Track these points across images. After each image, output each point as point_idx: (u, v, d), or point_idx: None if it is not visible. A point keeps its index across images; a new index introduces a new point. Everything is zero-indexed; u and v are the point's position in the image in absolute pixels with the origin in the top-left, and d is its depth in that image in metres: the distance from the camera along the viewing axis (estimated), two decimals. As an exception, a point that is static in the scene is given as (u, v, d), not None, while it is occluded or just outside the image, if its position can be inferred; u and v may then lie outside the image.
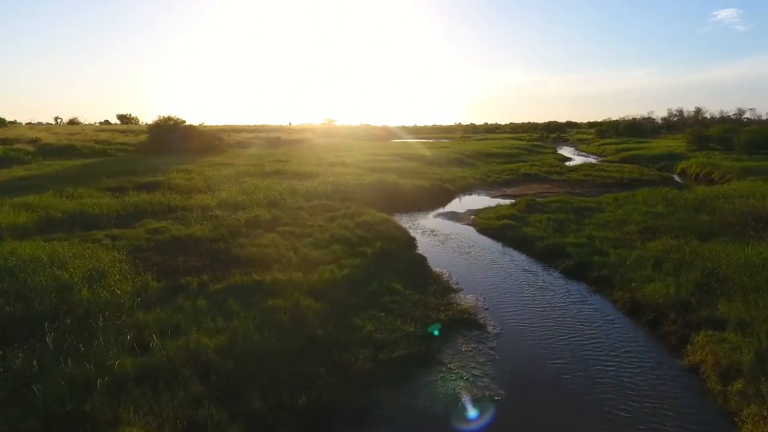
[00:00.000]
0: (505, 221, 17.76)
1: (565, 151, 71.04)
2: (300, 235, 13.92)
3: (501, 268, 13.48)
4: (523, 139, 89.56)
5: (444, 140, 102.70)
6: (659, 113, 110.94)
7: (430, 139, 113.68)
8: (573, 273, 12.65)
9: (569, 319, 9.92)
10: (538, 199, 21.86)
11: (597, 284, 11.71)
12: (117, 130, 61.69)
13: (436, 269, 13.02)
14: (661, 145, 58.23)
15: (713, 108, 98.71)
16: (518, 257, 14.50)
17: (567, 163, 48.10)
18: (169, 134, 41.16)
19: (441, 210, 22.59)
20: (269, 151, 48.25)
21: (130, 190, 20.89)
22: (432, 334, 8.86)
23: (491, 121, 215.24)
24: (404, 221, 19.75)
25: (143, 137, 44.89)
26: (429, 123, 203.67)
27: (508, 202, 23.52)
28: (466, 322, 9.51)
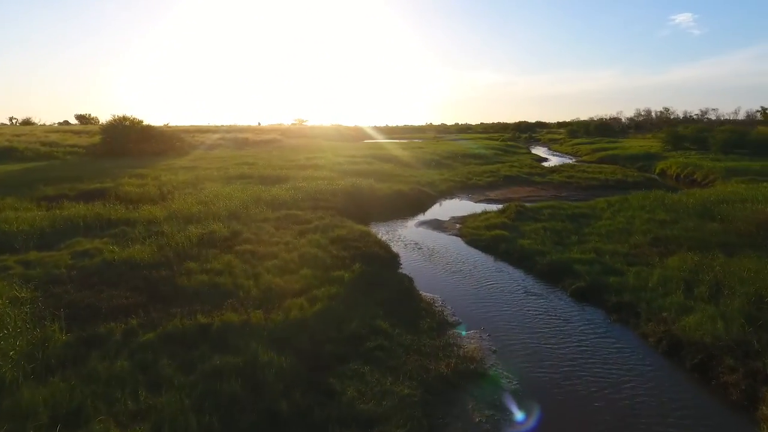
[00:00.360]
0: (497, 231, 15.82)
1: (539, 151, 70.30)
2: (263, 256, 11.60)
3: (501, 290, 11.49)
4: (496, 139, 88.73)
5: (417, 140, 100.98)
6: (625, 113, 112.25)
7: (403, 139, 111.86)
8: (585, 296, 10.75)
9: (598, 363, 7.96)
10: (527, 205, 20.05)
11: (618, 312, 9.82)
12: (71, 131, 57.41)
13: (426, 295, 10.93)
14: (634, 144, 57.90)
15: (675, 108, 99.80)
16: (518, 276, 12.54)
17: (544, 164, 46.96)
18: (124, 135, 37.84)
19: (422, 217, 20.55)
20: (236, 152, 45.36)
21: (68, 200, 18.08)
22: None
23: (462, 121, 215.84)
24: (384, 232, 17.62)
25: (97, 139, 41.34)
26: (400, 123, 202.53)
27: (493, 207, 21.67)
28: (473, 375, 7.43)
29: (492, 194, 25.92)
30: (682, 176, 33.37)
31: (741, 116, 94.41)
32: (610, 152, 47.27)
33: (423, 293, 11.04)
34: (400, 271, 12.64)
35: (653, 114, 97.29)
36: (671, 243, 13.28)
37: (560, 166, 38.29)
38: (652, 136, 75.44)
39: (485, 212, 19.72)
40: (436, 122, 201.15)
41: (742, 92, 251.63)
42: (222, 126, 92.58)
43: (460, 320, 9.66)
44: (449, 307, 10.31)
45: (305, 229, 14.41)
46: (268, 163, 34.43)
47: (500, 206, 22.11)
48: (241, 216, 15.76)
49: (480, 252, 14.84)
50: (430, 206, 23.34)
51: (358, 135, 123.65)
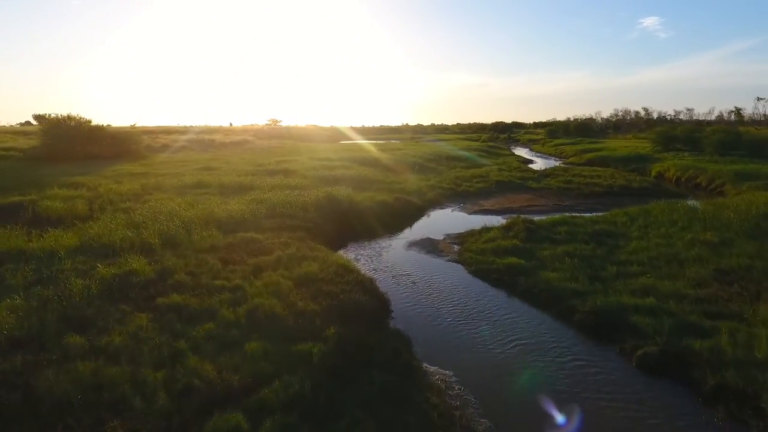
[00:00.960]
0: (510, 259, 12.42)
1: (521, 152, 67.79)
2: (194, 317, 7.91)
3: (539, 358, 8.06)
4: (476, 140, 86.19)
5: (394, 141, 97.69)
6: (602, 113, 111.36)
7: (380, 140, 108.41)
8: (660, 369, 7.45)
9: None
10: (534, 219, 16.78)
11: (726, 404, 6.50)
12: (13, 132, 51.93)
13: (434, 372, 7.47)
14: (619, 145, 55.74)
15: (652, 109, 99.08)
16: (553, 330, 9.15)
17: (531, 166, 44.20)
18: (69, 137, 33.23)
19: (411, 235, 17.08)
20: (201, 155, 41.12)
21: (-41, 222, 13.96)
22: None
23: (438, 121, 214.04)
24: (366, 259, 14.10)
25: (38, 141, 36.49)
26: (377, 123, 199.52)
27: (492, 220, 18.41)
28: None
29: (487, 203, 22.62)
30: (683, 180, 30.78)
31: (713, 116, 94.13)
32: (598, 154, 44.71)
33: (428, 368, 7.56)
34: (392, 326, 9.12)
35: (631, 114, 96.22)
36: (744, 277, 10.12)
37: (552, 169, 35.38)
38: (633, 136, 73.92)
39: (486, 229, 16.36)
40: (413, 122, 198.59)
41: (708, 93, 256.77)
42: (193, 127, 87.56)
43: (493, 427, 6.20)
44: (471, 396, 6.84)
45: (263, 263, 10.73)
46: (233, 168, 30.48)
47: (500, 218, 18.88)
48: (181, 243, 11.97)
49: (491, 288, 11.44)
50: (419, 219, 19.91)
51: (334, 136, 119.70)
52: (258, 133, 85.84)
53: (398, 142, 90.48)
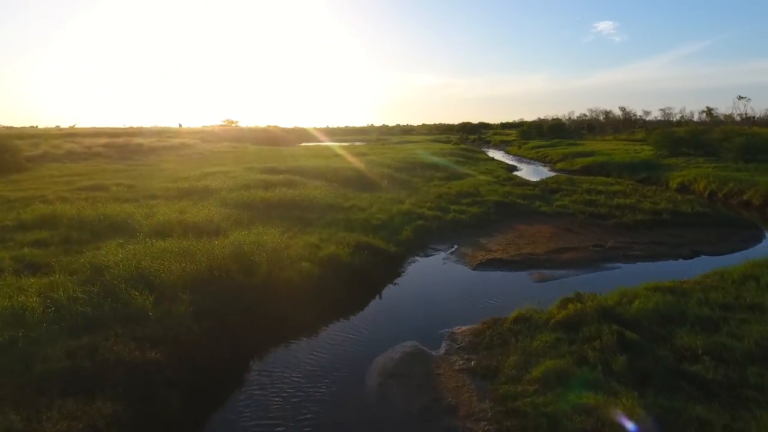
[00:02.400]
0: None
1: (497, 155, 60.83)
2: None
3: None
4: (445, 141, 79.08)
5: (358, 143, 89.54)
6: (566, 113, 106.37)
7: (344, 142, 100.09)
8: None
9: None
10: (600, 296, 9.00)
11: None
12: None
13: None
14: (607, 148, 49.38)
15: (631, 108, 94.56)
16: None
17: (517, 173, 36.96)
18: None
19: (376, 339, 8.93)
20: (107, 165, 31.79)
21: None
22: None
23: (403, 122, 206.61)
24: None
25: None
26: (342, 124, 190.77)
27: (513, 282, 10.70)
28: None
29: (493, 245, 14.74)
30: (720, 196, 23.94)
31: (677, 116, 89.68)
32: (594, 159, 37.77)
33: None
34: None
35: (601, 114, 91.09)
36: None
37: (552, 180, 27.99)
38: (613, 137, 68.31)
39: (524, 323, 8.47)
40: (378, 123, 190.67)
41: (661, 95, 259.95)
42: (114, 129, 76.66)
43: None
44: None
45: None
46: (134, 186, 21.70)
47: (526, 278, 11.13)
48: None
49: None
50: (392, 282, 11.88)
51: (295, 137, 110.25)
52: (207, 135, 75.92)
53: (363, 144, 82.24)
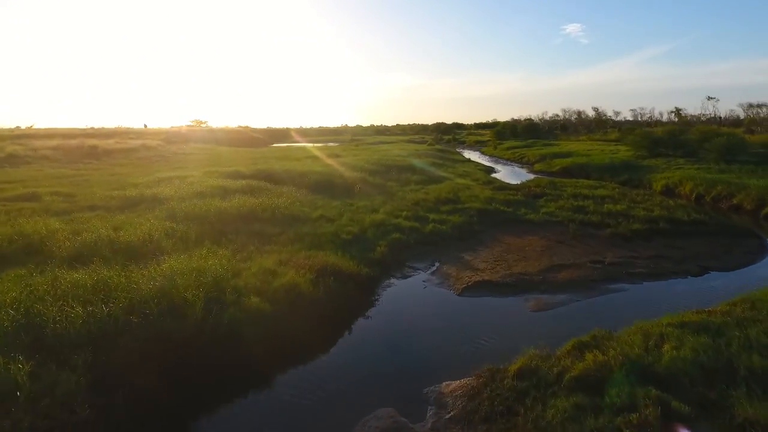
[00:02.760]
0: None
1: (473, 155, 59.53)
2: None
3: None
4: (420, 142, 77.64)
5: (332, 144, 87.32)
6: (540, 114, 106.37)
7: (318, 143, 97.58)
8: None
9: None
10: (639, 355, 7.23)
11: None
12: None
13: None
14: (583, 149, 48.55)
15: (567, 109, 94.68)
16: None
17: (495, 176, 35.50)
18: None
19: (341, 391, 6.97)
20: (53, 170, 28.76)
21: None
22: None
23: (377, 122, 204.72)
24: None
25: None
26: (316, 125, 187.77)
27: (506, 312, 8.92)
28: None
29: (479, 263, 12.90)
30: (707, 199, 22.81)
31: (646, 117, 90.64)
32: (573, 161, 36.57)
33: None
34: None
35: (572, 114, 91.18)
36: None
37: (533, 183, 26.48)
38: (587, 137, 67.97)
39: (535, 391, 6.60)
40: (352, 124, 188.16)
41: (628, 96, 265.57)
42: (77, 129, 72.55)
43: None
44: None
45: None
46: (66, 197, 19.11)
47: (522, 306, 9.34)
48: None
49: None
50: (364, 315, 9.88)
51: (267, 138, 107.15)
52: (173, 136, 72.35)
53: (337, 145, 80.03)
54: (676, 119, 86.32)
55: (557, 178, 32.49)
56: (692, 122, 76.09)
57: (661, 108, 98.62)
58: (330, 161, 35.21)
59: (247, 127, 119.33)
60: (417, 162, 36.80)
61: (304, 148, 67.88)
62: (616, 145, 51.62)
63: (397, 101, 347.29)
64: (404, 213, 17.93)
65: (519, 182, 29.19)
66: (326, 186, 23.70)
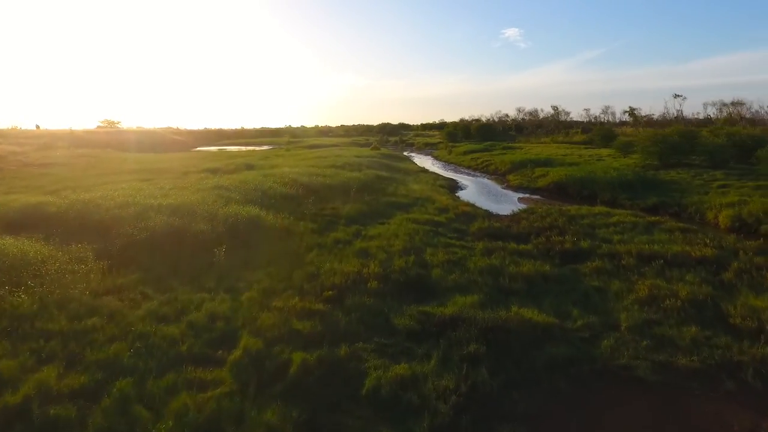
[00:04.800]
0: None
1: (425, 161, 49.08)
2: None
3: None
4: (365, 144, 66.68)
5: (267, 147, 74.52)
6: (492, 114, 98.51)
7: (254, 145, 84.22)
8: None
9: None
10: None
11: None
12: None
13: None
14: (556, 153, 39.22)
15: (513, 111, 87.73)
16: None
17: (463, 195, 24.93)
18: None
19: None
20: None
21: None
22: None
23: (322, 123, 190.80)
24: None
25: None
26: (258, 125, 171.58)
27: None
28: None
29: None
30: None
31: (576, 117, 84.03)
32: (569, 173, 26.17)
33: None
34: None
35: (529, 115, 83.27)
36: None
37: (538, 218, 15.88)
38: (551, 139, 59.43)
39: None
40: (296, 124, 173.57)
41: (567, 97, 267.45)
42: None
43: None
44: None
45: None
46: None
47: None
48: None
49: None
50: None
51: (191, 141, 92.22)
52: (57, 140, 56.95)
53: (271, 148, 67.56)
54: (630, 119, 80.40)
55: (556, 201, 22.34)
56: (651, 123, 69.89)
57: (595, 110, 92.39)
58: (240, 177, 23.35)
59: (168, 128, 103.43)
60: (355, 175, 25.51)
61: (227, 152, 54.97)
62: (594, 149, 42.84)
63: (343, 102, 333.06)
64: (305, 330, 6.57)
65: (510, 212, 18.61)
66: (171, 243, 11.91)
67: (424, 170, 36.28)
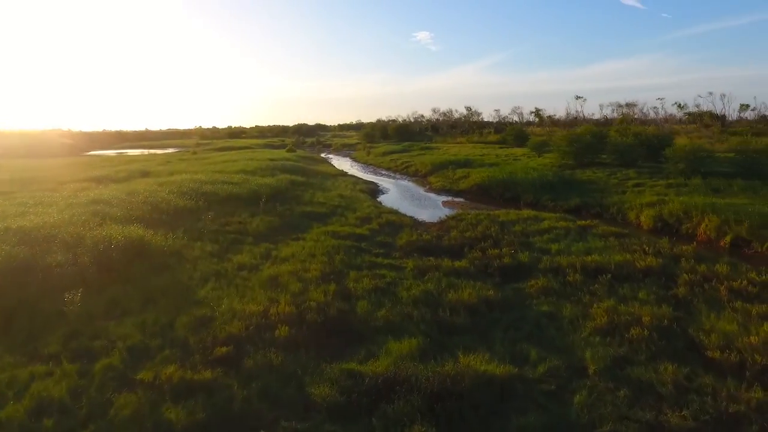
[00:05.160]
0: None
1: (343, 163, 47.12)
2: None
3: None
4: (280, 146, 63.21)
5: (172, 150, 68.07)
6: (409, 114, 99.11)
7: (156, 148, 76.67)
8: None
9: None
10: None
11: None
12: None
13: None
14: (474, 153, 39.21)
15: (426, 112, 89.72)
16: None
17: (385, 201, 23.36)
18: None
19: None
20: None
21: None
22: None
23: (234, 123, 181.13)
24: None
25: None
26: (165, 127, 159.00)
27: None
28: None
29: None
30: (762, 248, 13.19)
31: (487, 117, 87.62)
32: (491, 174, 25.43)
33: None
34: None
35: (443, 116, 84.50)
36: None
37: (467, 226, 14.60)
38: (466, 140, 60.17)
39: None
40: (207, 125, 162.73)
41: (476, 98, 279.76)
42: None
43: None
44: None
45: None
46: None
47: None
48: None
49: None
50: None
51: (82, 144, 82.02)
52: None
53: (175, 151, 61.62)
54: (536, 119, 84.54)
55: (481, 204, 21.47)
56: (555, 123, 73.79)
57: (504, 110, 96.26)
58: (96, 193, 19.67)
59: (57, 130, 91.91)
60: (267, 181, 22.78)
61: (123, 158, 48.75)
62: (508, 148, 43.53)
63: (258, 102, 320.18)
64: (180, 422, 4.23)
65: (438, 219, 17.20)
66: (10, 285, 8.79)
67: (343, 173, 34.27)
